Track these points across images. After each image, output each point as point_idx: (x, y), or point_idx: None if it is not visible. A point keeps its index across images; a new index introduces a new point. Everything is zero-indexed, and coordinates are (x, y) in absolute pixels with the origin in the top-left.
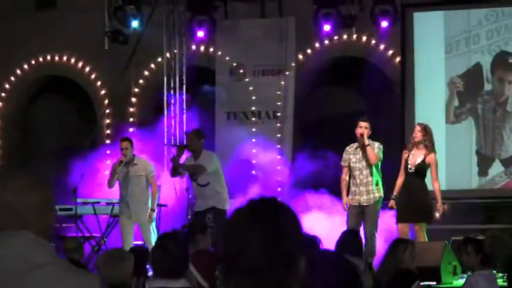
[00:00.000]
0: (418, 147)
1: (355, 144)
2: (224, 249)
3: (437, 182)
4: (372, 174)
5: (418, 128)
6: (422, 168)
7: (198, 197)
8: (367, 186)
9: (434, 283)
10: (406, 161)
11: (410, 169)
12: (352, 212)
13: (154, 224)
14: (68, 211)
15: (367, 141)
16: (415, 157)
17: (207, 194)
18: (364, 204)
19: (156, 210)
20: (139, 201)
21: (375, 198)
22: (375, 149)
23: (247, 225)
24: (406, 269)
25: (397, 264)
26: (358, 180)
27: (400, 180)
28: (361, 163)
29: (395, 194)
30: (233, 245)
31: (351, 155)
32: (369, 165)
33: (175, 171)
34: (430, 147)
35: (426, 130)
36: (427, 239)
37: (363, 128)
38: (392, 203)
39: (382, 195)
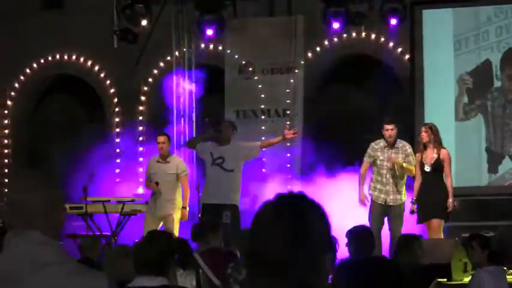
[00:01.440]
0: (429, 147)
1: (382, 142)
2: (250, 244)
3: (449, 178)
4: (400, 176)
5: (423, 129)
6: (439, 165)
7: (214, 186)
8: (394, 186)
9: (445, 280)
10: (421, 162)
11: (427, 169)
12: (375, 210)
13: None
14: (79, 209)
15: (400, 160)
16: (429, 156)
17: (229, 185)
18: (391, 203)
19: (188, 209)
20: (167, 199)
21: (401, 199)
22: (410, 156)
23: (273, 221)
24: (425, 266)
25: (412, 261)
26: (384, 180)
27: (417, 184)
28: (389, 162)
29: (415, 198)
30: (259, 240)
31: (379, 152)
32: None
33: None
34: (439, 144)
35: (432, 129)
36: (442, 236)
37: (389, 130)
38: (413, 207)
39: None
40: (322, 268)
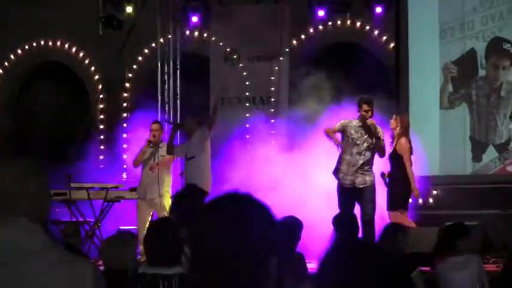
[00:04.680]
0: (395, 136)
1: (356, 122)
2: (192, 245)
3: (409, 169)
4: (370, 158)
5: (393, 116)
6: (396, 155)
7: (183, 179)
8: (362, 168)
9: (428, 269)
10: None
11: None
12: (345, 193)
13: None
14: (62, 196)
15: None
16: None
17: (190, 172)
18: (360, 186)
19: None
20: (157, 182)
21: (371, 181)
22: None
23: (215, 222)
24: (408, 254)
25: (395, 249)
26: (354, 160)
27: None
28: (363, 145)
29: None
30: (200, 242)
31: (353, 130)
32: (371, 150)
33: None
34: (400, 134)
35: (400, 118)
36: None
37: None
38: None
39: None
40: (269, 269)
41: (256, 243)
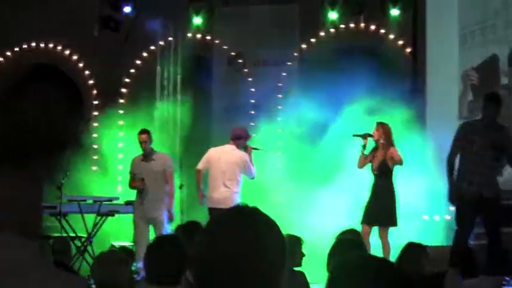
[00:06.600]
0: (379, 147)
1: None
2: (201, 256)
3: None
4: None
5: (375, 126)
6: (385, 168)
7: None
8: None
9: None
10: (371, 164)
11: (374, 171)
12: None
13: (168, 225)
14: (52, 209)
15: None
16: (378, 158)
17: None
18: None
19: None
20: (155, 199)
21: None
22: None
23: (227, 234)
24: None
25: (415, 270)
26: None
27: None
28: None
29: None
30: (211, 253)
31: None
32: None
33: None
34: (386, 144)
35: (383, 127)
36: (390, 243)
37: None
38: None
39: None
40: (279, 283)
41: (267, 260)
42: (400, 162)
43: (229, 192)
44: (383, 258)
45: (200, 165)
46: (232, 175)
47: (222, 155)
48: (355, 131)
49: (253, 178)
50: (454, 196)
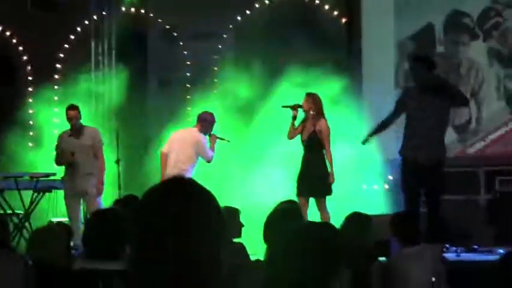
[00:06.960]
0: (308, 118)
1: None
2: (137, 237)
3: (329, 153)
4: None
5: (304, 97)
6: (315, 139)
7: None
8: None
9: (384, 258)
10: (301, 135)
11: (304, 143)
12: None
13: (101, 198)
14: None
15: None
16: (307, 129)
17: None
18: None
19: (104, 183)
20: (85, 173)
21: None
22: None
23: (162, 203)
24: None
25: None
26: None
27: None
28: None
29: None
30: (146, 226)
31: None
32: None
33: None
34: (315, 114)
35: (313, 98)
36: (329, 213)
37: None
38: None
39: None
40: (220, 268)
41: (207, 232)
42: (327, 137)
43: (179, 170)
44: (325, 223)
45: (163, 148)
46: (185, 154)
47: (180, 135)
48: (289, 103)
49: (209, 161)
50: (367, 138)
